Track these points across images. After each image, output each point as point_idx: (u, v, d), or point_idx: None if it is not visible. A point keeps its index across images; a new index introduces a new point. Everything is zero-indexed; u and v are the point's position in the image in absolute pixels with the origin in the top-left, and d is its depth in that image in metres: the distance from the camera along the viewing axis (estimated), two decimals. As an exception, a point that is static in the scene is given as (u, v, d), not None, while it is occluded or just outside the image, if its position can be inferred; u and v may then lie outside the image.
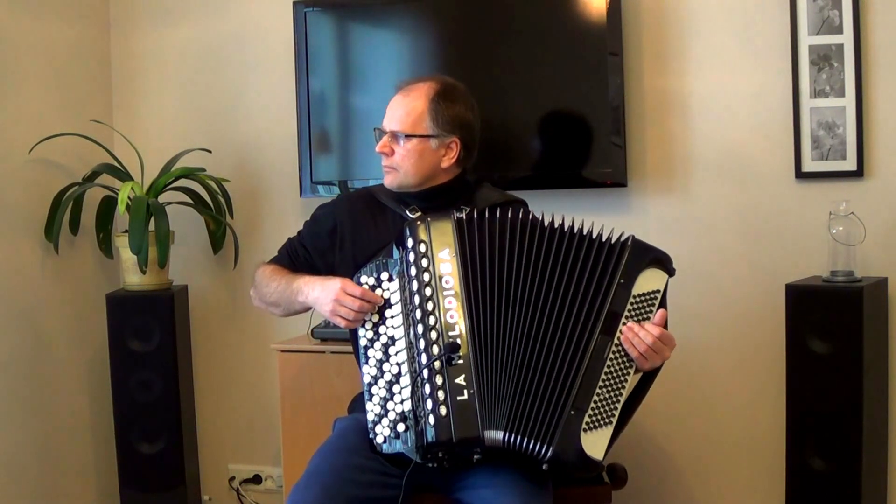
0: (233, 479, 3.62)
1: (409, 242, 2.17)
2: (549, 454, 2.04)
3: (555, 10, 3.04)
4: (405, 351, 2.15)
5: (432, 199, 2.36)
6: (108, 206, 3.43)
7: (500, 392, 2.08)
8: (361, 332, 2.23)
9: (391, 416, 2.13)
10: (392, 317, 2.19)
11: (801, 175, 2.93)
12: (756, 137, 2.98)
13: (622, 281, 2.13)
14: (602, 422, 2.08)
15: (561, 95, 3.08)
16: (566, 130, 3.10)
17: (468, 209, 2.21)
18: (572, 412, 2.06)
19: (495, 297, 2.13)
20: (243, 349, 3.57)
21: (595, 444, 2.06)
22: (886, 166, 2.86)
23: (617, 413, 2.10)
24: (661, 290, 2.16)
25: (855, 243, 2.76)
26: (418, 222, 2.20)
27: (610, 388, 2.10)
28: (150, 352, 3.23)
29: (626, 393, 2.12)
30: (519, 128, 3.13)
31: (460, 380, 2.07)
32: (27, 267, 3.28)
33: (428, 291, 2.13)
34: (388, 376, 2.16)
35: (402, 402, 2.12)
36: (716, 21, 3.00)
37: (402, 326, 2.16)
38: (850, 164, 2.87)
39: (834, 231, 2.78)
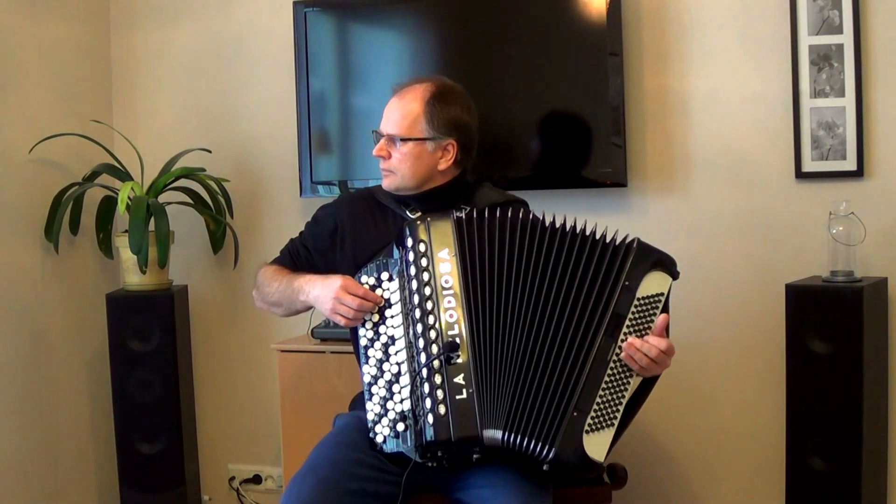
0: (233, 479, 3.62)
1: (409, 242, 2.17)
2: (550, 455, 2.04)
3: (555, 10, 3.04)
4: (405, 350, 2.15)
5: (431, 201, 2.36)
6: (108, 206, 3.43)
7: (499, 391, 2.08)
8: (362, 331, 2.23)
9: (391, 415, 2.14)
10: (392, 316, 2.19)
11: (801, 175, 2.93)
12: (756, 137, 2.98)
13: (627, 283, 2.12)
14: (604, 424, 2.08)
15: (561, 95, 3.08)
16: (566, 130, 3.10)
17: (468, 209, 2.21)
18: (575, 414, 2.06)
19: (495, 296, 2.13)
20: (243, 349, 3.57)
21: (597, 445, 2.06)
22: (886, 166, 2.86)
23: (619, 415, 2.10)
24: (665, 293, 2.16)
25: (855, 243, 2.76)
26: (418, 222, 2.20)
27: (613, 391, 2.10)
28: (149, 352, 3.23)
29: (628, 395, 2.12)
30: (519, 128, 3.13)
31: (459, 379, 2.07)
32: (27, 267, 3.28)
33: (427, 291, 2.13)
34: (387, 376, 2.16)
35: (401, 401, 2.13)
36: (716, 21, 3.00)
37: (401, 326, 2.17)
38: (850, 164, 2.87)
39: (834, 231, 2.78)
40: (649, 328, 2.13)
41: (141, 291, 3.27)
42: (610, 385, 2.09)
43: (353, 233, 2.40)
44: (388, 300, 2.20)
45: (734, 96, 2.99)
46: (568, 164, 3.09)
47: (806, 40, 2.89)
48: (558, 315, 2.12)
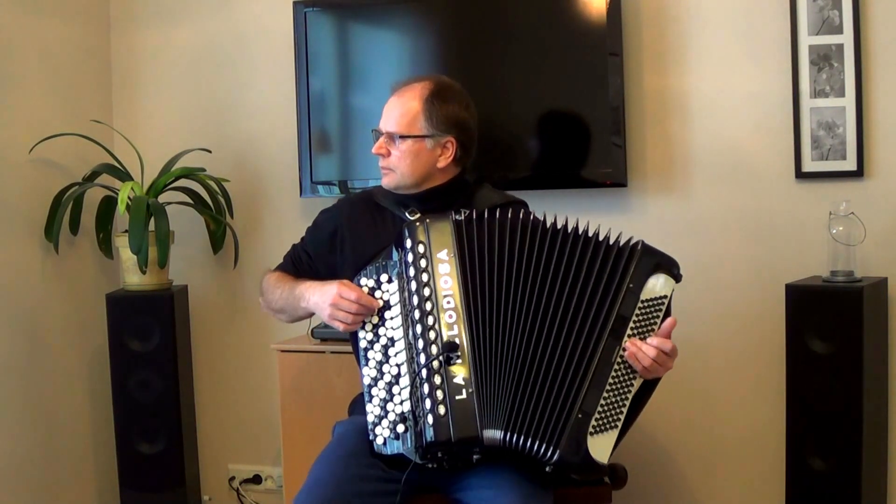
0: (233, 479, 3.62)
1: (408, 244, 2.17)
2: (555, 457, 2.04)
3: (555, 10, 3.04)
4: (404, 352, 2.15)
5: (430, 201, 2.36)
6: (108, 206, 3.43)
7: (499, 391, 2.08)
8: (361, 333, 2.23)
9: (391, 417, 2.13)
10: (391, 318, 2.19)
11: (801, 175, 2.93)
12: (756, 137, 2.98)
13: (631, 286, 2.12)
14: (608, 425, 2.08)
15: (561, 95, 3.08)
16: (566, 130, 3.10)
17: (467, 211, 2.20)
18: (580, 415, 2.06)
19: (495, 296, 2.13)
20: (243, 349, 3.57)
21: (601, 447, 2.06)
22: (886, 166, 2.86)
23: (623, 416, 2.10)
24: (668, 295, 2.16)
25: (855, 243, 2.76)
26: (417, 223, 2.19)
27: (617, 392, 2.10)
28: (150, 352, 3.23)
29: (631, 396, 2.12)
30: (519, 128, 3.13)
31: (459, 379, 2.07)
32: (27, 267, 3.28)
33: (426, 292, 2.12)
34: (387, 377, 2.16)
35: (401, 402, 2.12)
36: (716, 21, 3.00)
37: (401, 328, 2.16)
38: (850, 164, 2.87)
39: (834, 231, 2.78)
40: (652, 330, 2.13)
41: (141, 291, 3.27)
42: (614, 387, 2.09)
43: (352, 236, 2.40)
44: (387, 302, 2.20)
45: (734, 96, 2.99)
46: (568, 164, 3.09)
47: (806, 40, 2.89)
48: (561, 316, 2.11)
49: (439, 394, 2.05)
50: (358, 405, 2.40)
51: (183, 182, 3.39)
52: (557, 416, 2.06)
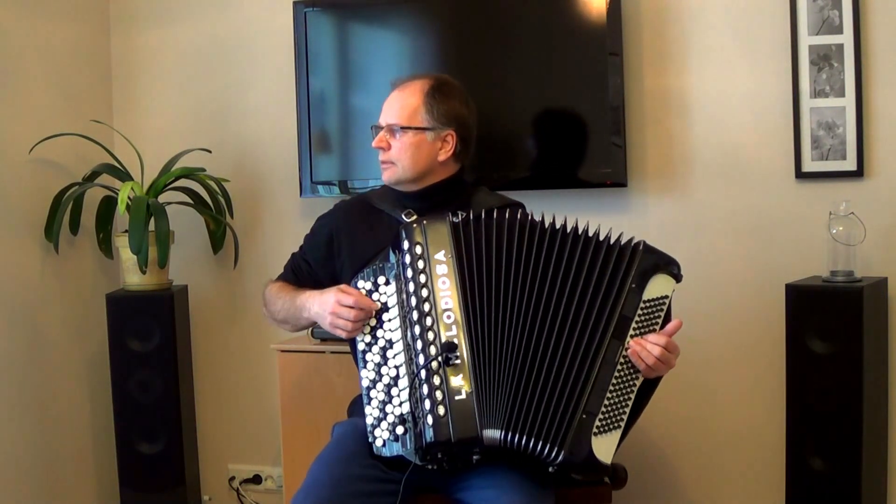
0: (233, 479, 3.62)
1: (405, 245, 2.17)
2: (560, 457, 2.04)
3: (555, 10, 3.04)
4: (403, 353, 2.14)
5: (429, 198, 2.37)
6: (108, 206, 3.43)
7: (499, 391, 2.07)
8: (359, 336, 2.22)
9: (390, 418, 2.13)
10: (389, 320, 2.18)
11: (801, 175, 2.93)
12: (756, 137, 2.98)
13: (633, 286, 2.12)
14: (612, 425, 2.08)
15: (561, 95, 3.08)
16: (566, 130, 3.10)
17: (464, 213, 2.20)
18: (584, 416, 2.06)
19: (493, 297, 2.12)
20: (243, 349, 3.57)
21: (605, 447, 2.07)
22: (886, 166, 2.86)
23: (626, 416, 2.10)
24: (669, 295, 2.16)
25: (855, 243, 2.76)
26: (414, 225, 2.19)
27: (620, 392, 2.10)
28: (150, 352, 3.23)
29: (634, 396, 2.12)
30: (519, 128, 3.12)
31: (458, 379, 2.06)
32: (27, 267, 3.28)
33: (424, 293, 2.12)
34: (386, 379, 2.16)
35: (400, 404, 2.12)
36: (716, 21, 3.00)
37: (399, 329, 2.16)
38: (850, 164, 2.87)
39: (834, 231, 2.77)
40: (653, 331, 2.14)
41: (141, 291, 3.27)
42: (617, 386, 2.10)
43: (348, 239, 2.40)
44: (384, 304, 2.19)
45: (734, 96, 2.99)
46: (568, 164, 3.09)
47: (806, 40, 2.89)
48: (562, 316, 2.11)
49: (438, 394, 2.05)
50: (357, 406, 2.39)
51: (183, 182, 3.38)
52: (561, 416, 2.06)
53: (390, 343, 2.17)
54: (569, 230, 2.17)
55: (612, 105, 3.00)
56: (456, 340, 2.08)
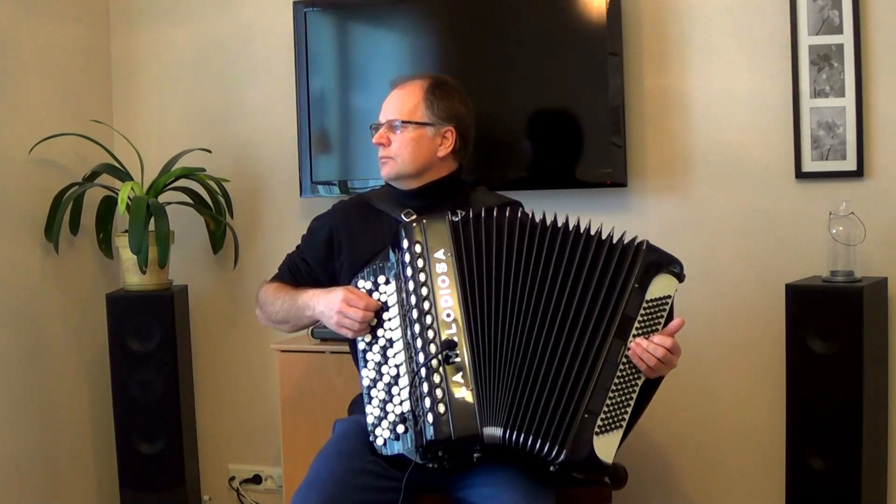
0: (233, 479, 3.62)
1: (405, 244, 2.17)
2: (561, 456, 2.04)
3: (555, 10, 3.04)
4: (403, 352, 2.14)
5: (428, 196, 2.37)
6: (108, 206, 3.43)
7: (499, 389, 2.07)
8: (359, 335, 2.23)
9: (390, 417, 2.13)
10: (389, 319, 2.18)
11: (801, 175, 2.93)
12: (756, 137, 2.98)
13: (636, 285, 2.12)
14: (613, 425, 2.08)
15: (561, 95, 3.08)
16: (566, 130, 3.10)
17: (463, 212, 2.20)
18: (586, 415, 2.06)
19: (493, 295, 2.12)
20: (243, 349, 3.57)
21: (606, 447, 2.07)
22: (886, 166, 2.86)
23: (627, 416, 2.10)
24: (672, 295, 2.16)
25: (855, 243, 2.76)
26: (413, 224, 2.19)
27: (622, 392, 2.10)
28: (150, 352, 3.23)
29: (635, 396, 2.12)
30: (519, 128, 3.13)
31: (458, 377, 2.06)
32: (27, 267, 3.28)
33: (424, 291, 2.12)
34: (386, 378, 2.16)
35: (400, 403, 2.12)
36: (716, 21, 3.00)
37: (399, 328, 2.16)
38: (850, 164, 2.87)
39: (834, 231, 2.78)
40: (656, 330, 2.13)
41: (141, 291, 3.27)
42: (619, 386, 2.10)
43: (348, 239, 2.40)
44: (384, 303, 2.19)
45: (734, 96, 2.99)
46: (567, 164, 3.09)
47: (806, 40, 2.89)
48: (562, 315, 2.11)
49: (439, 392, 2.05)
50: (357, 405, 2.40)
51: (183, 182, 3.38)
52: (563, 415, 2.06)
53: (390, 342, 2.17)
54: (570, 229, 2.17)
55: (611, 105, 3.00)
56: (456, 339, 2.08)
